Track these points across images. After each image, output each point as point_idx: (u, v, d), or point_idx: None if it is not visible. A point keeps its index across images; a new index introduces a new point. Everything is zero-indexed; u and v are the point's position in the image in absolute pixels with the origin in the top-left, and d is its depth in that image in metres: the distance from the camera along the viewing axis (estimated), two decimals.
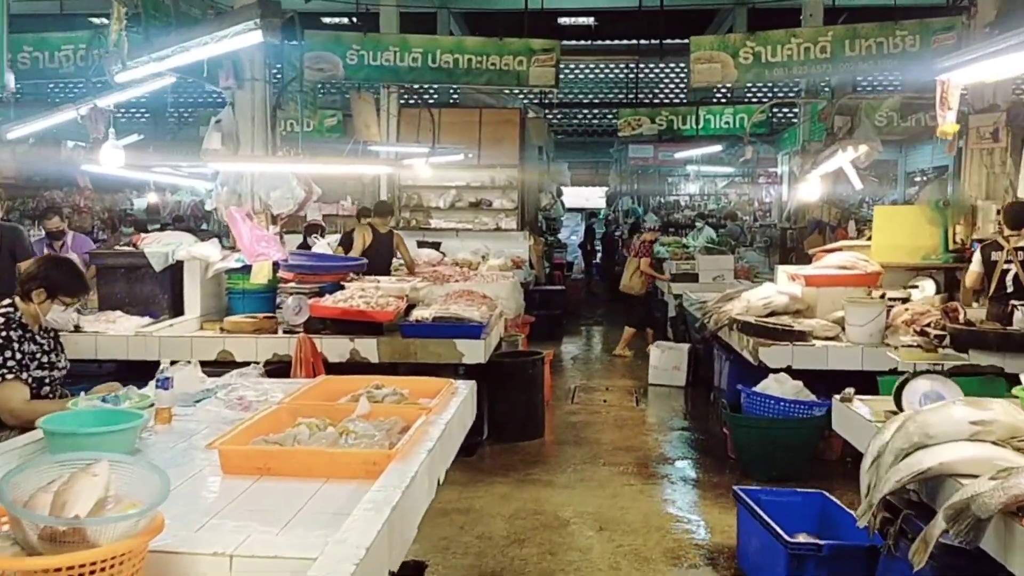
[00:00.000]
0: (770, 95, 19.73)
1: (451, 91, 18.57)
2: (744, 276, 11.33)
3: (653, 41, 23.06)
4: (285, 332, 5.99)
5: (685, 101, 15.16)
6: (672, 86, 22.74)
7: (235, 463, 2.88)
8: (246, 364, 5.72)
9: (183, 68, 5.98)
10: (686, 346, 8.77)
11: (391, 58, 7.54)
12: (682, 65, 22.81)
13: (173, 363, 3.97)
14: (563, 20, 20.09)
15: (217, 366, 5.86)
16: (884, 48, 7.32)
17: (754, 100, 16.99)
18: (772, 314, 6.48)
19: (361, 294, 5.90)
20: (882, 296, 6.10)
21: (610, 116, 23.70)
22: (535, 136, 13.47)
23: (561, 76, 23.96)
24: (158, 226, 14.09)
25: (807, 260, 11.51)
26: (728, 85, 7.32)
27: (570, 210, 21.33)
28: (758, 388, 5.44)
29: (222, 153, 7.43)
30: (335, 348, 5.75)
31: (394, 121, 13.19)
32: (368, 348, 5.73)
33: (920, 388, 3.48)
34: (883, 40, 7.31)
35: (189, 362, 4.12)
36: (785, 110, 19.25)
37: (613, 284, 16.22)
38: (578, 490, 5.39)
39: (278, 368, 5.60)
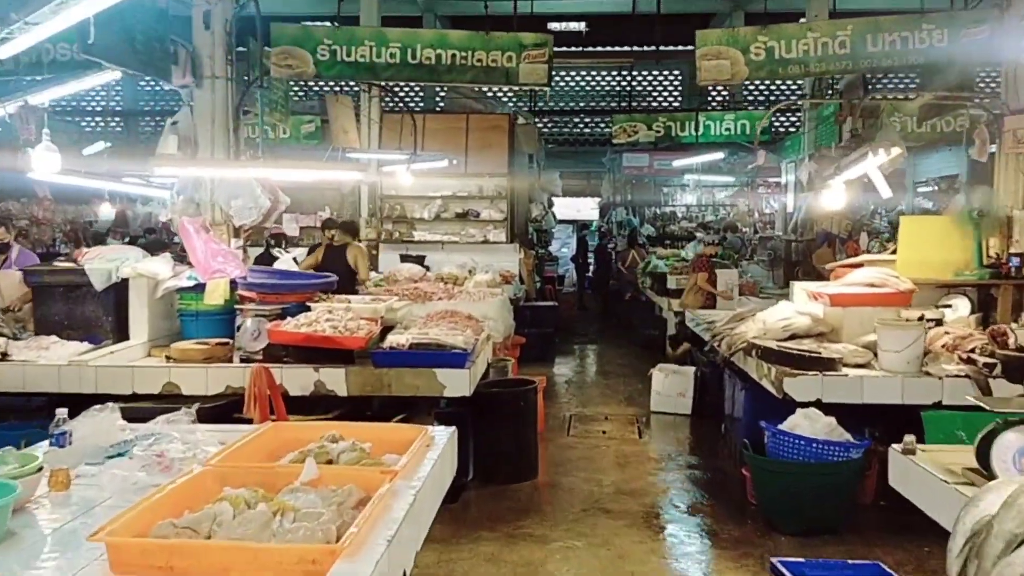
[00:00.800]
0: (772, 99, 19.14)
1: (437, 97, 17.92)
2: (749, 292, 10.63)
3: (647, 48, 22.61)
4: (242, 360, 5.24)
5: (682, 108, 14.45)
6: (666, 94, 22.12)
7: (127, 560, 2.15)
8: (195, 399, 5.03)
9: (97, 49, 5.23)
10: (691, 370, 8.04)
11: (366, 53, 6.81)
12: (676, 73, 22.25)
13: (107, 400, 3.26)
14: (553, 25, 19.46)
15: (162, 400, 5.14)
16: (909, 43, 6.64)
17: (753, 105, 16.36)
18: (793, 337, 5.78)
19: (328, 317, 5.15)
20: (920, 318, 5.39)
21: (602, 125, 23.04)
22: (525, 143, 12.78)
23: (552, 84, 23.64)
24: (126, 239, 13.31)
25: (816, 274, 10.84)
26: (737, 83, 6.60)
27: (562, 222, 20.62)
28: (785, 426, 4.71)
29: (177, 158, 6.69)
30: (297, 379, 5.00)
31: (376, 127, 12.49)
32: (335, 379, 4.99)
33: (1013, 443, 2.76)
34: (908, 34, 6.64)
35: (109, 405, 3.36)
36: (788, 114, 18.63)
37: (607, 299, 15.52)
38: (578, 550, 4.63)
39: (230, 404, 4.85)
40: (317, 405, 5.02)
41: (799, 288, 6.69)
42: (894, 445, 3.26)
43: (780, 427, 4.73)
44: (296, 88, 20.07)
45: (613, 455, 6.51)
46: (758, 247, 16.00)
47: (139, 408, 4.23)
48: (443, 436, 3.27)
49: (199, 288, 5.68)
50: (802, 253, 11.86)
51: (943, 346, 5.27)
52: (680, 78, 22.24)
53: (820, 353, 5.12)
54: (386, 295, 7.68)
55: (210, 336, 5.58)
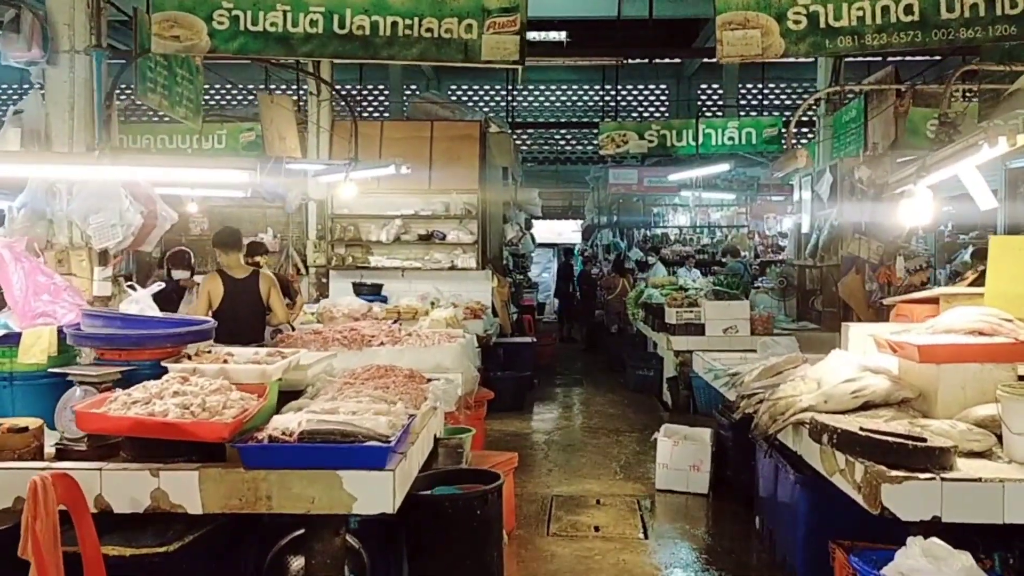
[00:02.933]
0: (782, 101, 17.61)
1: (405, 104, 16.22)
2: (762, 328, 8.95)
3: (634, 61, 21.11)
4: (59, 455, 3.46)
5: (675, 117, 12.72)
6: (655, 107, 20.57)
7: None
8: None
9: None
10: (707, 433, 6.29)
11: (278, 21, 5.11)
12: (663, 87, 20.75)
13: None
14: (531, 35, 17.88)
15: None
16: (996, 7, 5.01)
17: (757, 111, 14.65)
18: (867, 407, 4.07)
19: (179, 389, 3.37)
20: None
21: (585, 141, 21.50)
22: (498, 155, 11.09)
23: (530, 98, 22.05)
24: None
25: (842, 306, 9.19)
26: (769, 58, 4.92)
27: (541, 245, 18.93)
28: (892, 571, 2.96)
29: (13, 156, 4.92)
30: (125, 489, 3.22)
31: (325, 136, 10.80)
32: (184, 489, 3.21)
33: None
34: None
35: None
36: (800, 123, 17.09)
37: (592, 332, 13.81)
38: None
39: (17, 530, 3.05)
40: (168, 526, 3.24)
41: (858, 333, 4.99)
42: None
43: (885, 574, 2.97)
44: (234, 91, 18.33)
45: (610, 570, 4.71)
46: (760, 274, 14.38)
47: None
48: None
49: (13, 339, 3.91)
50: (818, 282, 10.20)
51: None
52: (667, 92, 20.74)
53: (927, 440, 3.39)
54: (313, 339, 5.92)
55: (33, 412, 3.79)
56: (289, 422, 3.31)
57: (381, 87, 20.03)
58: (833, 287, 9.24)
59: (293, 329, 6.91)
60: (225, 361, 3.86)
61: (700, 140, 10.50)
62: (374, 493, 3.17)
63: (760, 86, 19.85)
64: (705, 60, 19.21)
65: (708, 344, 8.91)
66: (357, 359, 5.89)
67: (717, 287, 9.36)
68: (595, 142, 21.73)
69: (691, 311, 9.06)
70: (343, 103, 9.78)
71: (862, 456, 3.40)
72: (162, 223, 5.27)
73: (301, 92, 11.14)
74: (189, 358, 3.89)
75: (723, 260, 13.23)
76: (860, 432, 3.45)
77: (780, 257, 15.92)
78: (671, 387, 9.47)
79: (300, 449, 3.16)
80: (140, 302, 4.01)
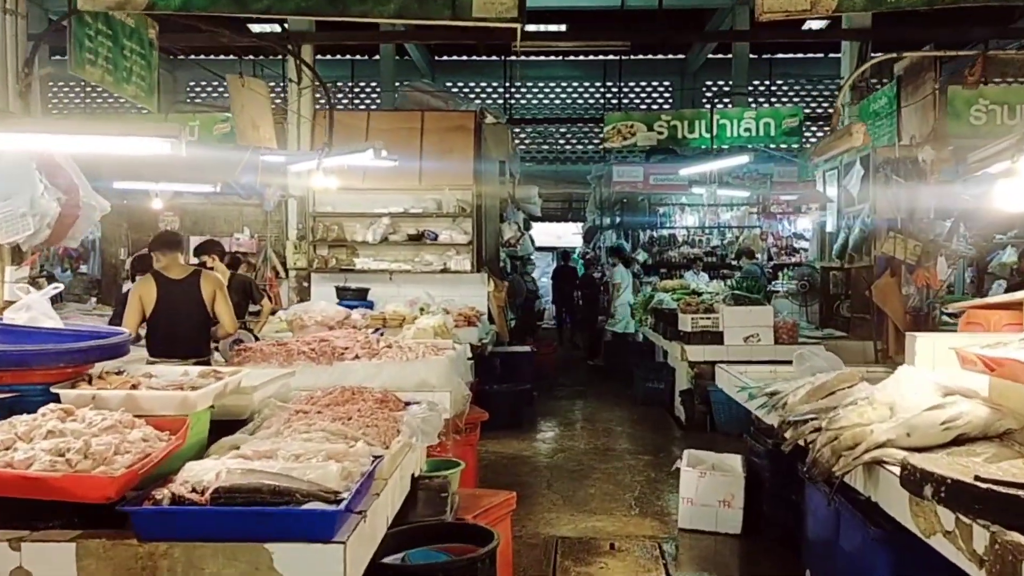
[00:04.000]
0: (789, 98, 16.89)
1: (395, 100, 15.38)
2: (787, 336, 8.08)
3: (636, 57, 20.29)
4: None
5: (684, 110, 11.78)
6: (658, 107, 19.72)
7: None
8: None
9: None
10: (737, 461, 5.39)
11: None
12: (667, 83, 19.90)
13: None
14: (529, 27, 17.07)
15: None
16: None
17: (768, 101, 13.58)
18: (959, 441, 3.21)
19: (58, 425, 2.49)
20: None
21: (586, 140, 20.66)
22: (495, 148, 10.22)
23: (528, 95, 21.19)
24: None
25: (876, 313, 8.32)
26: (818, 16, 4.03)
27: (540, 249, 18.05)
28: None
29: None
30: None
31: (307, 126, 9.94)
32: (55, 568, 2.32)
33: None
34: None
35: None
36: (820, 111, 16.14)
37: (595, 339, 12.92)
38: None
39: None
40: None
41: (931, 345, 4.12)
42: None
43: None
44: (214, 82, 17.39)
45: None
46: (772, 277, 13.52)
47: None
48: None
49: None
50: (848, 284, 9.33)
51: None
52: (672, 88, 19.90)
53: None
54: (275, 352, 5.05)
55: None
56: (205, 473, 2.42)
57: (374, 83, 19.18)
58: (865, 291, 8.36)
59: (256, 339, 6.04)
60: (136, 386, 2.97)
61: (715, 131, 9.62)
62: (317, 574, 2.29)
63: (768, 82, 19.03)
64: (710, 56, 18.47)
65: (727, 354, 8.05)
66: (326, 376, 5.01)
67: (736, 291, 8.48)
68: (596, 140, 21.09)
69: (708, 318, 8.20)
70: (319, 85, 8.89)
71: (983, 516, 2.51)
72: (88, 213, 4.39)
73: (281, 88, 10.26)
74: (90, 381, 3.01)
75: (736, 262, 12.35)
76: (979, 485, 2.56)
77: (794, 260, 15.07)
78: (685, 401, 8.59)
79: (214, 514, 2.28)
80: (32, 308, 3.11)
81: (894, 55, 5.40)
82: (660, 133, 9.93)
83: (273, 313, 7.05)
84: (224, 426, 3.31)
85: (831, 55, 19.59)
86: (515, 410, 8.40)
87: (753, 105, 11.66)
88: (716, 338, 8.12)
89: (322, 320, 6.12)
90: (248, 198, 10.01)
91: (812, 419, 4.08)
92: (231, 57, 13.24)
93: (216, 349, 5.54)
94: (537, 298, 13.56)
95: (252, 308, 7.53)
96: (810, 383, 4.58)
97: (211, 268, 6.86)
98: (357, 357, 5.06)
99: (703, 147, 10.12)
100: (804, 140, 13.00)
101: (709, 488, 5.07)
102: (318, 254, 10.00)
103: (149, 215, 10.19)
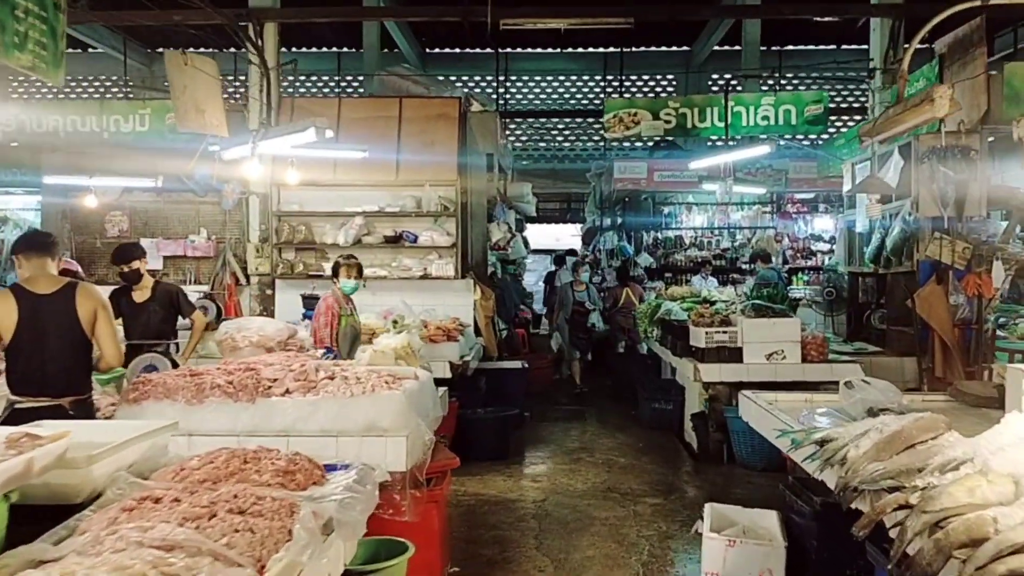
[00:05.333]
0: (800, 92, 15.72)
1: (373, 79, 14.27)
2: (816, 353, 6.97)
3: (637, 49, 19.19)
4: None
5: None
6: (665, 97, 18.58)
7: None
8: None
9: None
10: (773, 522, 4.27)
11: None
12: (671, 76, 18.77)
13: None
14: (528, 24, 15.96)
15: None
16: None
17: (780, 85, 12.28)
18: None
19: None
20: None
21: (584, 137, 19.56)
22: (481, 139, 9.11)
23: (524, 90, 20.06)
24: None
25: (918, 325, 7.22)
26: None
27: (536, 252, 16.93)
28: None
29: None
30: None
31: (272, 114, 8.84)
32: None
33: None
34: None
35: None
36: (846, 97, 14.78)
37: (594, 351, 11.79)
38: None
39: None
40: None
41: None
42: None
43: None
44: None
45: None
46: (788, 282, 12.45)
47: None
48: None
49: None
50: (884, 291, 8.24)
51: None
52: (675, 83, 18.78)
53: None
54: (183, 386, 3.96)
55: None
56: None
57: (362, 79, 18.08)
58: (906, 300, 7.26)
59: (175, 365, 4.94)
60: None
61: (729, 120, 8.49)
62: None
63: (777, 75, 17.92)
64: (716, 47, 17.37)
65: (747, 374, 6.97)
66: (246, 417, 3.93)
67: (756, 300, 7.37)
68: (596, 137, 19.99)
69: (724, 331, 7.08)
70: (262, 64, 7.81)
71: None
72: None
73: (245, 78, 9.16)
74: None
75: (750, 266, 11.21)
76: None
77: (810, 263, 13.97)
78: (697, 427, 7.48)
79: None
80: None
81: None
82: (667, 122, 8.81)
83: (209, 329, 5.93)
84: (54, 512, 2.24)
85: (844, 46, 18.55)
86: (501, 438, 7.28)
87: (775, 87, 10.35)
88: (734, 355, 7.02)
89: (259, 341, 5.01)
90: (204, 195, 8.91)
91: (891, 485, 2.99)
92: (204, 49, 12.11)
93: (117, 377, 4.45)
94: (519, 307, 12.17)
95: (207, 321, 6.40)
96: (876, 430, 3.50)
97: (141, 275, 5.76)
98: (288, 392, 3.95)
99: (716, 137, 9.02)
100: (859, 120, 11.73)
101: (740, 561, 3.97)
102: (283, 258, 8.90)
103: (95, 216, 9.11)
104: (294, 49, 18.25)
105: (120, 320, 5.41)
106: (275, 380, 4.01)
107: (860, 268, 8.42)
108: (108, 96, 16.98)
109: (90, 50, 16.61)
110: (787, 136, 9.91)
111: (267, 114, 8.74)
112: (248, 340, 5.02)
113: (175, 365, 4.84)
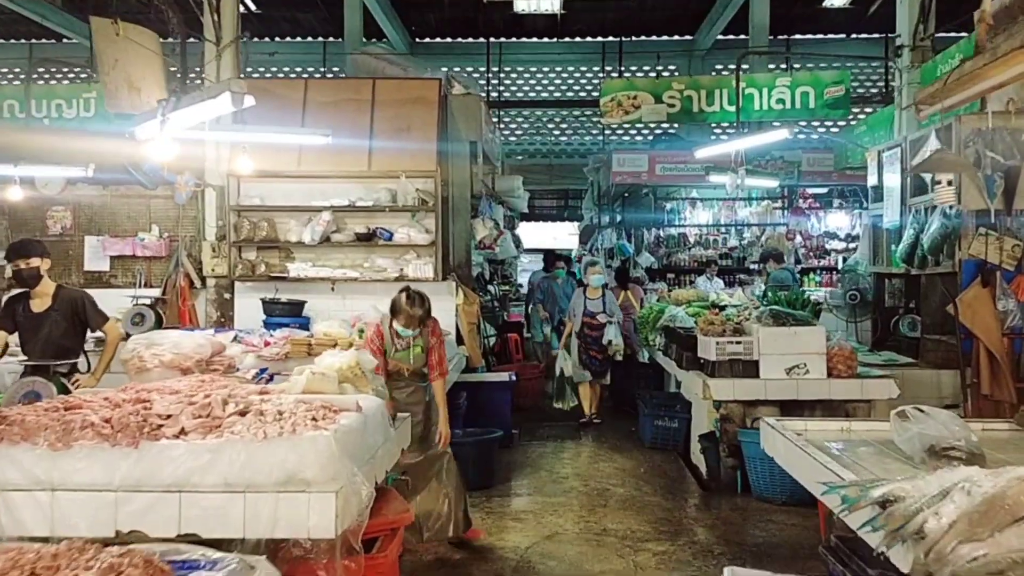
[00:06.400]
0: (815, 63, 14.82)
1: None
2: (845, 368, 6.06)
3: (637, 39, 18.25)
4: None
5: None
6: None
7: None
8: None
9: None
10: None
11: None
12: (672, 68, 17.79)
13: None
14: (521, 6, 15.07)
15: None
16: None
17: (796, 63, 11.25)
18: None
19: None
20: None
21: (583, 131, 18.64)
22: (464, 124, 8.18)
23: (519, 81, 19.11)
24: None
25: (961, 332, 6.31)
26: None
27: (532, 251, 16.01)
28: None
29: None
30: None
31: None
32: None
33: None
34: None
35: None
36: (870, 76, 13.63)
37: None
38: None
39: None
40: None
41: None
42: None
43: None
44: None
45: None
46: (800, 283, 11.53)
47: None
48: None
49: None
50: (914, 294, 7.33)
51: None
52: (677, 74, 17.83)
53: None
54: (47, 427, 3.05)
55: None
56: None
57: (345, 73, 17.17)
58: (946, 304, 6.34)
59: (67, 391, 4.02)
60: None
61: (740, 103, 7.54)
62: None
63: (784, 66, 16.99)
64: (720, 36, 16.44)
65: (765, 391, 6.05)
66: (126, 467, 3.02)
67: (774, 305, 6.45)
68: (594, 131, 19.06)
69: (737, 341, 6.16)
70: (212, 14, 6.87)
71: None
72: None
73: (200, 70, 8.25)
74: None
75: (761, 266, 10.25)
76: None
77: (824, 263, 13.05)
78: (707, 450, 6.56)
79: None
80: None
81: None
82: (671, 106, 7.91)
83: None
84: None
85: (854, 36, 17.63)
86: (482, 465, 6.34)
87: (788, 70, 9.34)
88: (749, 369, 6.09)
89: (172, 360, 4.08)
90: (154, 188, 7.99)
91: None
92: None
93: None
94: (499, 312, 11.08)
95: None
96: (961, 490, 2.58)
97: (40, 277, 4.84)
98: (183, 432, 3.04)
99: (726, 124, 8.08)
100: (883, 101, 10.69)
101: None
102: (243, 258, 7.98)
103: (35, 211, 8.20)
104: (277, 39, 17.42)
105: (16, 333, 4.50)
106: (168, 417, 3.09)
107: (888, 268, 7.50)
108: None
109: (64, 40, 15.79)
110: (802, 123, 8.98)
111: (182, 71, 7.85)
112: (159, 359, 4.09)
113: (65, 392, 3.93)
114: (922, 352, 7.00)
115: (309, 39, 17.90)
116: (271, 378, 4.31)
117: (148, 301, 6.65)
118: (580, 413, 8.86)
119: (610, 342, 8.62)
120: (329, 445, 2.98)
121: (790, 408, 6.13)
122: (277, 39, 17.46)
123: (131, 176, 7.73)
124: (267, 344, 6.38)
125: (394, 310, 4.91)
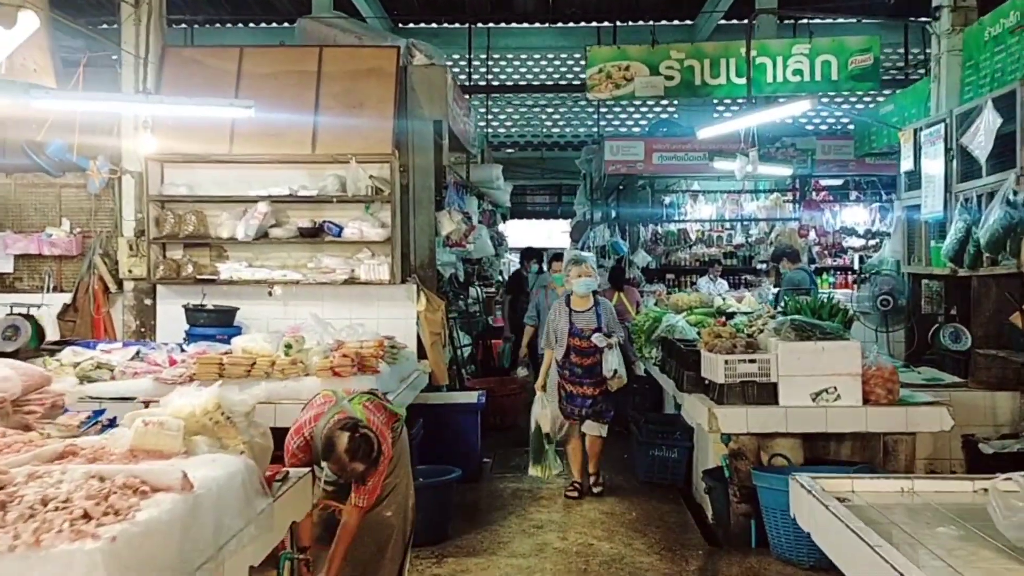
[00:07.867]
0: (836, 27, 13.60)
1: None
2: (884, 392, 4.87)
3: (635, 24, 17.06)
4: None
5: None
6: None
7: None
8: None
9: None
10: None
11: None
12: (677, 45, 16.60)
13: None
14: None
15: None
16: None
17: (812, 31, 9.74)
18: None
19: None
20: None
21: (576, 121, 17.46)
22: (428, 101, 6.97)
23: (509, 70, 17.90)
24: None
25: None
26: None
27: (516, 250, 14.86)
28: None
29: None
30: None
31: (153, 70, 6.79)
32: None
33: None
34: None
35: None
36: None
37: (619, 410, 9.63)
38: None
39: None
40: None
41: None
42: None
43: None
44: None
45: None
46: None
47: None
48: None
49: None
50: (954, 300, 6.15)
51: None
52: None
53: None
54: None
55: None
56: None
57: None
58: (1007, 312, 5.16)
59: None
60: None
61: (751, 74, 6.34)
62: None
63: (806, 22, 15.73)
64: (723, 21, 15.24)
65: (785, 422, 4.87)
66: None
67: (796, 314, 5.26)
68: (588, 122, 17.88)
69: (751, 360, 4.97)
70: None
71: None
72: None
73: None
74: None
75: (774, 266, 9.00)
76: None
77: (839, 263, 11.86)
78: (713, 493, 5.37)
79: None
80: None
81: None
82: (669, 78, 6.73)
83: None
84: None
85: (865, 20, 16.43)
86: (436, 515, 5.11)
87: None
88: (765, 394, 4.91)
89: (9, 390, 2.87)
90: (60, 175, 6.81)
91: None
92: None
93: None
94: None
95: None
96: None
97: None
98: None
99: (729, 101, 6.90)
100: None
101: None
102: (167, 258, 6.79)
103: None
104: (246, 25, 16.27)
105: None
106: None
107: (928, 268, 6.32)
108: None
109: None
110: (823, 99, 7.78)
111: (144, 68, 6.70)
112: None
113: None
114: (972, 369, 5.80)
115: (274, 25, 16.70)
116: (111, 423, 3.12)
117: (24, 310, 5.44)
118: (571, 485, 6.31)
119: (614, 372, 6.09)
120: (94, 567, 1.78)
121: (815, 442, 4.98)
122: (241, 24, 16.33)
123: (27, 160, 6.55)
124: (172, 363, 5.20)
125: (327, 450, 3.47)
